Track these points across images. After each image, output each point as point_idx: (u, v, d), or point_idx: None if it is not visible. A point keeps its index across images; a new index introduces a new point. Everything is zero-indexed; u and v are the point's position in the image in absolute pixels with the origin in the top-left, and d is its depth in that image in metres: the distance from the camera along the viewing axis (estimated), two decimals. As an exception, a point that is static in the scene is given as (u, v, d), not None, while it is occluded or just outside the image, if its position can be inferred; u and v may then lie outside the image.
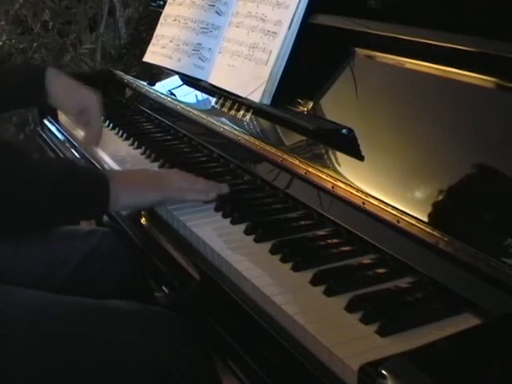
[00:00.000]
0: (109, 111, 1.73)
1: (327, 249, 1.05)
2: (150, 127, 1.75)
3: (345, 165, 1.11)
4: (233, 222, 1.15)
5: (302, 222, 1.13)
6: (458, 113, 1.00)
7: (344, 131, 1.13)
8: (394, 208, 0.97)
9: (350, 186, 1.06)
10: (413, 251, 0.94)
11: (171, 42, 1.67)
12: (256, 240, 1.08)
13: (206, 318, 1.02)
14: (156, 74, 1.79)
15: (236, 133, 1.37)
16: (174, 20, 1.69)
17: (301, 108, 1.27)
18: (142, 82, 1.84)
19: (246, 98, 1.36)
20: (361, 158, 1.08)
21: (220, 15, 1.53)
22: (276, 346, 0.87)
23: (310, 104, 1.26)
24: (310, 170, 1.15)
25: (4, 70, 1.54)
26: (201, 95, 1.59)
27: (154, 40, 1.76)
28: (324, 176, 1.12)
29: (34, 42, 2.98)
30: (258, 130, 1.35)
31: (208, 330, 1.02)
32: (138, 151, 1.57)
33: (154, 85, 1.78)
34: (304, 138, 1.22)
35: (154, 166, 1.45)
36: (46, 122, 1.92)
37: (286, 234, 1.08)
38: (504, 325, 0.78)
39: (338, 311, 0.87)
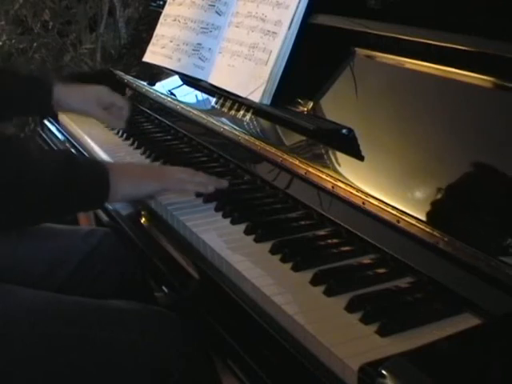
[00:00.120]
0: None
1: (327, 249, 1.05)
2: (150, 127, 1.75)
3: (345, 165, 1.11)
4: (233, 222, 1.15)
5: (302, 222, 1.13)
6: (458, 113, 1.00)
7: (344, 131, 1.13)
8: (394, 208, 0.98)
9: (350, 186, 1.06)
10: (413, 251, 0.94)
11: (171, 41, 1.67)
12: (256, 240, 1.08)
13: (206, 318, 1.02)
14: (156, 74, 1.79)
15: (236, 133, 1.37)
16: (174, 20, 1.69)
17: (301, 108, 1.27)
18: (142, 82, 1.84)
19: (246, 98, 1.36)
20: (361, 158, 1.08)
21: (220, 15, 1.53)
22: (276, 346, 0.87)
23: (310, 104, 1.26)
24: (310, 169, 1.15)
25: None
26: (201, 95, 1.59)
27: (153, 40, 1.76)
28: (324, 176, 1.12)
29: (34, 41, 2.98)
30: (258, 130, 1.35)
31: (208, 330, 1.02)
32: (138, 151, 1.57)
33: (153, 85, 1.78)
34: (304, 138, 1.22)
35: (154, 166, 1.46)
36: (45, 122, 1.93)
37: (286, 233, 1.08)
38: (504, 325, 0.78)
39: (338, 311, 0.87)
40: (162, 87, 1.75)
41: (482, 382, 0.70)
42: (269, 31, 1.35)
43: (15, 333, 1.06)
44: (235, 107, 1.43)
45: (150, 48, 1.76)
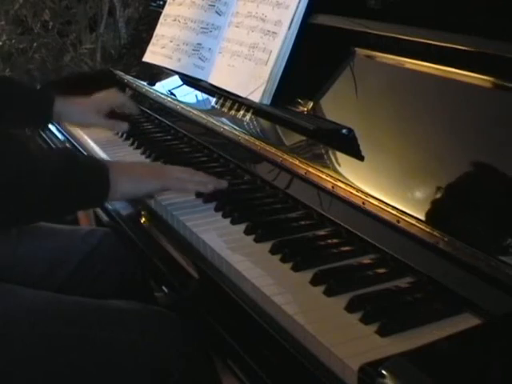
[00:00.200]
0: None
1: (327, 249, 1.05)
2: (150, 127, 1.75)
3: (345, 165, 1.11)
4: (233, 222, 1.15)
5: (302, 222, 1.13)
6: (458, 113, 1.00)
7: (344, 131, 1.13)
8: (394, 208, 0.97)
9: (350, 186, 1.06)
10: (413, 251, 0.94)
11: (171, 41, 1.67)
12: (256, 240, 1.08)
13: (206, 318, 1.02)
14: (156, 74, 1.79)
15: (236, 133, 1.37)
16: (174, 20, 1.69)
17: (301, 108, 1.27)
18: (142, 82, 1.84)
19: (246, 98, 1.36)
20: (361, 158, 1.08)
21: (220, 15, 1.53)
22: (276, 346, 0.87)
23: (310, 104, 1.26)
24: (310, 169, 1.15)
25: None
26: (201, 95, 1.59)
27: (153, 40, 1.76)
28: (324, 176, 1.12)
29: (34, 42, 2.98)
30: (258, 130, 1.35)
31: (208, 330, 1.02)
32: (138, 151, 1.57)
33: (153, 85, 1.78)
34: (304, 138, 1.22)
35: (154, 166, 1.45)
36: (46, 121, 1.92)
37: (286, 233, 1.08)
38: (504, 325, 0.78)
39: (338, 311, 0.87)
40: (162, 87, 1.75)
41: (482, 382, 0.70)
42: (269, 31, 1.35)
43: (15, 333, 1.06)
44: (235, 107, 1.43)
45: (149, 48, 1.76)
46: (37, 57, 3.00)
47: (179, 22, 1.67)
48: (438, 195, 0.94)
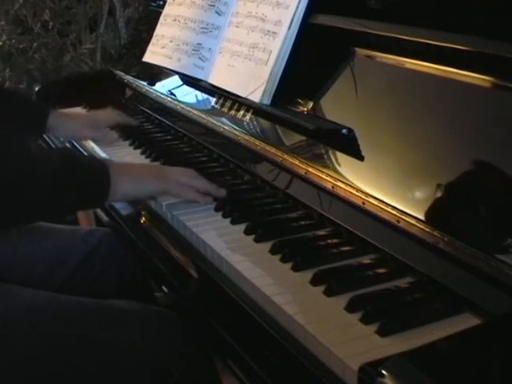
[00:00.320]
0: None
1: (327, 249, 1.05)
2: (150, 127, 1.75)
3: (345, 165, 1.11)
4: (233, 222, 1.15)
5: (302, 222, 1.13)
6: (458, 113, 1.00)
7: (344, 131, 1.13)
8: (394, 208, 0.97)
9: (350, 186, 1.06)
10: (413, 251, 0.94)
11: (171, 41, 1.67)
12: (256, 240, 1.08)
13: (206, 318, 1.02)
14: (156, 73, 1.79)
15: (236, 133, 1.37)
16: (174, 20, 1.69)
17: (301, 108, 1.27)
18: (142, 82, 1.84)
19: (246, 98, 1.36)
20: (361, 157, 1.08)
21: (220, 15, 1.53)
22: (276, 346, 0.87)
23: (310, 104, 1.26)
24: (310, 169, 1.15)
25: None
26: (201, 95, 1.59)
27: (153, 40, 1.76)
28: (324, 176, 1.12)
29: (34, 42, 2.98)
30: (258, 130, 1.35)
31: (208, 330, 1.02)
32: (138, 151, 1.57)
33: (153, 85, 1.78)
34: (304, 138, 1.21)
35: (154, 166, 1.45)
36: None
37: (286, 233, 1.08)
38: (504, 325, 0.78)
39: (338, 311, 0.87)
40: (162, 87, 1.75)
41: (482, 382, 0.70)
42: (269, 31, 1.35)
43: (15, 333, 1.06)
44: (235, 107, 1.43)
45: (150, 48, 1.76)
46: (37, 57, 3.00)
47: (179, 21, 1.67)
48: (438, 195, 0.94)
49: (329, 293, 0.91)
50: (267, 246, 1.05)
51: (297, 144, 1.23)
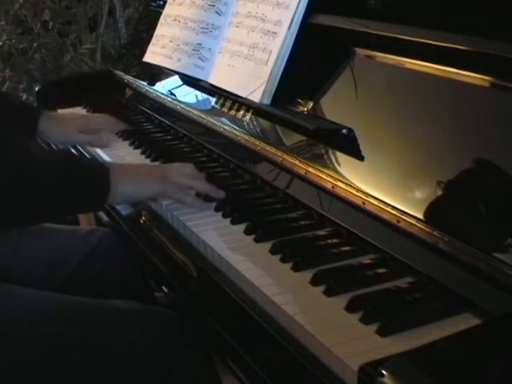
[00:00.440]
0: (109, 111, 1.74)
1: (327, 249, 1.05)
2: (150, 127, 1.75)
3: (345, 165, 1.11)
4: (233, 222, 1.15)
5: (302, 222, 1.13)
6: (458, 113, 1.00)
7: (344, 131, 1.12)
8: (394, 208, 0.97)
9: (350, 186, 1.06)
10: (413, 251, 0.94)
11: (171, 41, 1.67)
12: (256, 240, 1.08)
13: (206, 318, 1.02)
14: (156, 73, 1.79)
15: (236, 133, 1.37)
16: (174, 20, 1.69)
17: (301, 108, 1.27)
18: (142, 82, 1.84)
19: (246, 98, 1.36)
20: (361, 157, 1.08)
21: (220, 15, 1.53)
22: (276, 346, 0.87)
23: (310, 104, 1.26)
24: (310, 169, 1.15)
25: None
26: (201, 95, 1.59)
27: (153, 40, 1.76)
28: (324, 176, 1.12)
29: (34, 42, 2.98)
30: (258, 130, 1.35)
31: (208, 330, 1.02)
32: (138, 151, 1.57)
33: (153, 85, 1.78)
34: (304, 138, 1.21)
35: (154, 166, 1.45)
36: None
37: (286, 233, 1.08)
38: (504, 325, 0.78)
39: (338, 311, 0.87)
40: (162, 87, 1.75)
41: (482, 382, 0.70)
42: (269, 31, 1.35)
43: (15, 333, 1.06)
44: (235, 107, 1.43)
45: (150, 48, 1.76)
46: (37, 57, 3.00)
47: (179, 22, 1.67)
48: (438, 195, 0.94)
49: (329, 293, 0.91)
50: (267, 246, 1.05)
51: (297, 144, 1.23)
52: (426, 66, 1.06)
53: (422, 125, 1.04)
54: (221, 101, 1.49)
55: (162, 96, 1.71)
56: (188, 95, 1.64)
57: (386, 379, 0.68)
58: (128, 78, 1.93)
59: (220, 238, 1.11)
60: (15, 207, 1.06)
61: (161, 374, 1.10)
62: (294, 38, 1.31)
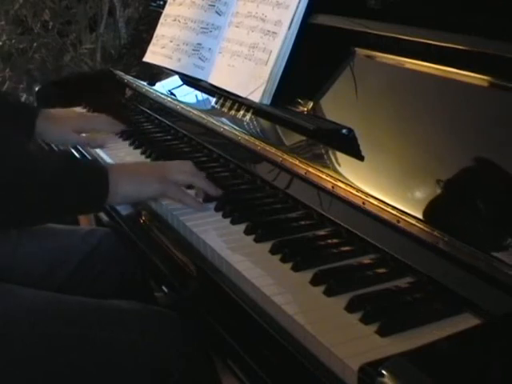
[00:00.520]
0: (109, 111, 1.74)
1: (327, 249, 1.05)
2: (150, 127, 1.75)
3: (345, 165, 1.11)
4: (233, 222, 1.15)
5: (302, 222, 1.13)
6: (458, 113, 1.00)
7: (344, 131, 1.13)
8: (394, 208, 0.97)
9: (350, 186, 1.06)
10: (413, 251, 0.94)
11: (171, 41, 1.67)
12: (256, 240, 1.08)
13: (206, 318, 1.02)
14: (156, 73, 1.79)
15: (236, 133, 1.37)
16: (174, 20, 1.69)
17: (301, 108, 1.27)
18: (142, 82, 1.84)
19: (246, 98, 1.36)
20: (361, 157, 1.08)
21: (220, 15, 1.53)
22: (276, 346, 0.87)
23: (310, 104, 1.26)
24: (310, 169, 1.15)
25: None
26: (201, 95, 1.59)
27: (154, 40, 1.76)
28: (324, 176, 1.12)
29: (34, 42, 2.98)
30: (258, 130, 1.35)
31: (208, 330, 1.02)
32: (138, 151, 1.57)
33: (153, 85, 1.78)
34: (304, 138, 1.22)
35: (154, 166, 1.45)
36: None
37: (286, 233, 1.08)
38: (504, 325, 0.78)
39: (338, 311, 0.87)
40: (162, 87, 1.75)
41: (482, 382, 0.70)
42: (269, 31, 1.36)
43: (15, 333, 1.06)
44: (235, 107, 1.43)
45: (150, 48, 1.76)
46: (37, 57, 3.00)
47: (179, 22, 1.67)
48: (438, 195, 0.94)
49: (329, 293, 0.91)
50: (267, 246, 1.05)
51: (297, 144, 1.23)
52: (425, 66, 1.06)
53: (421, 125, 1.04)
54: (221, 101, 1.49)
55: (162, 96, 1.71)
56: (188, 95, 1.64)
57: (385, 379, 0.68)
58: (128, 77, 1.93)
59: (220, 237, 1.11)
60: (15, 207, 1.06)
61: (161, 374, 1.10)
62: (294, 38, 1.31)
